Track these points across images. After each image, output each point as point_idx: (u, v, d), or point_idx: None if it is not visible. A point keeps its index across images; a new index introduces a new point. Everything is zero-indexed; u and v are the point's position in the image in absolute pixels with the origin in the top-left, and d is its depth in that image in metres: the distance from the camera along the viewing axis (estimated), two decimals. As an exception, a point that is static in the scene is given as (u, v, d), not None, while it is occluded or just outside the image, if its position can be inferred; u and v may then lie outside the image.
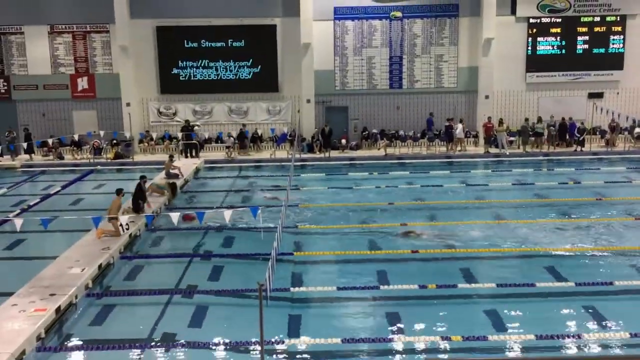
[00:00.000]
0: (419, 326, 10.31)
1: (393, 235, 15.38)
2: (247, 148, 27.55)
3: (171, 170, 21.74)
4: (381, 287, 11.95)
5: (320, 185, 21.66)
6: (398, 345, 9.71)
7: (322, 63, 28.34)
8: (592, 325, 10.24)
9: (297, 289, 11.97)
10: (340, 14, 28.27)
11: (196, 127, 27.99)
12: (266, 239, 14.16)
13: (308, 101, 28.23)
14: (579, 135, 26.86)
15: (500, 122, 27.03)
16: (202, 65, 28.66)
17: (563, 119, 27.30)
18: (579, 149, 26.64)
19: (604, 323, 10.27)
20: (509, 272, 12.75)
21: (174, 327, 10.49)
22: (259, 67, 28.65)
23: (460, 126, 27.02)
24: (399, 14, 28.26)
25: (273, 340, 9.64)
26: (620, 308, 10.97)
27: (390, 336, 9.98)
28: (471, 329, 9.98)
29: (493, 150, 26.83)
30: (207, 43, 28.52)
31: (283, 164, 24.94)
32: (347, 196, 20.01)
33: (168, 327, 10.53)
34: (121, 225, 14.83)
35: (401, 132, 28.18)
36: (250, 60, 28.60)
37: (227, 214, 13.89)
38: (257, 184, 22.28)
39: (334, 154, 27.00)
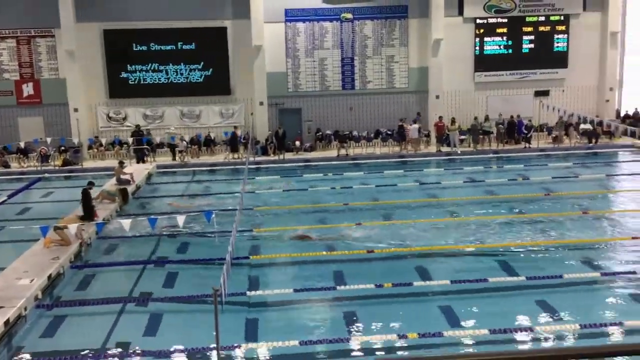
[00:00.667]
0: (376, 325, 10.37)
1: (348, 235, 15.44)
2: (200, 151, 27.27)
3: (122, 176, 21.31)
4: (338, 287, 11.98)
5: (275, 188, 21.58)
6: (355, 345, 9.75)
7: (274, 65, 28.28)
8: (543, 318, 10.49)
9: (253, 292, 11.89)
10: (291, 15, 28.27)
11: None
12: (221, 243, 14.02)
13: (261, 103, 28.12)
14: (526, 132, 27.56)
15: (453, 121, 27.50)
16: (152, 68, 28.23)
17: (511, 117, 27.95)
18: (527, 145, 27.33)
19: (555, 315, 10.54)
20: (462, 268, 12.96)
21: (128, 336, 10.28)
22: (211, 70, 28.40)
23: (415, 126, 27.35)
24: (349, 16, 28.44)
25: (230, 345, 9.54)
26: (570, 300, 11.28)
27: (348, 336, 10.01)
28: (427, 326, 10.09)
29: (445, 149, 27.25)
30: (156, 46, 28.11)
31: (237, 167, 24.75)
32: (302, 198, 20.00)
33: (122, 336, 10.31)
34: (82, 232, 14.46)
35: (355, 133, 28.34)
36: (202, 63, 28.32)
37: (180, 219, 13.69)
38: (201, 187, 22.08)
39: (289, 156, 26.97)
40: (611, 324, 10.05)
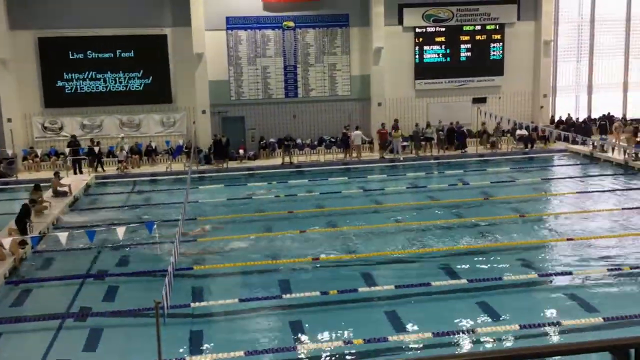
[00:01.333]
0: (323, 332, 10.37)
1: (293, 243, 15.43)
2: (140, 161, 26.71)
3: (59, 188, 20.66)
4: (284, 296, 11.94)
5: (219, 197, 21.35)
6: (302, 354, 9.72)
7: (216, 73, 28.06)
8: (484, 319, 10.73)
9: (197, 304, 11.71)
10: (233, 23, 28.13)
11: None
12: (164, 254, 13.75)
13: (203, 112, 27.83)
14: (462, 138, 28.16)
15: (396, 128, 27.92)
16: (90, 77, 27.53)
17: (451, 123, 28.60)
18: (462, 151, 27.96)
19: (495, 317, 10.79)
20: (406, 273, 13.13)
21: (66, 353, 9.95)
22: (150, 78, 27.92)
23: (359, 133, 27.61)
24: (291, 24, 28.52)
25: (173, 359, 9.35)
26: (509, 302, 11.58)
27: (294, 345, 9.97)
28: (372, 331, 10.16)
29: (388, 155, 27.62)
30: (93, 54, 27.44)
31: (180, 176, 24.38)
32: (247, 206, 19.87)
33: (60, 353, 9.96)
34: (17, 247, 13.88)
35: (298, 140, 28.39)
36: (141, 71, 27.81)
37: (121, 231, 13.37)
38: (153, 198, 21.66)
39: (232, 164, 26.76)
40: (549, 324, 10.37)
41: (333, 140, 28.43)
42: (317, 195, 21.16)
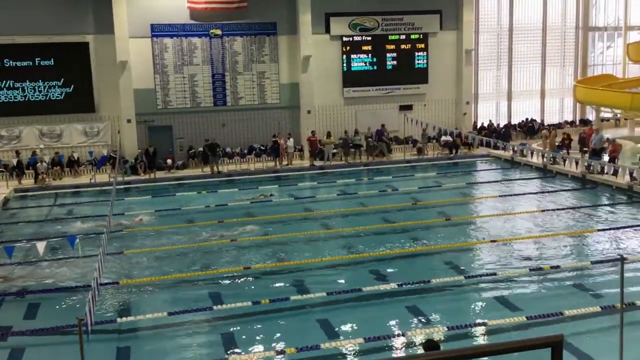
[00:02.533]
0: (255, 343, 10.27)
1: (224, 253, 15.24)
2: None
3: (-26, 203, 19.60)
4: (214, 307, 11.74)
5: (146, 208, 20.83)
6: (234, 365, 9.59)
7: (141, 81, 27.42)
8: (415, 322, 10.91)
9: (124, 319, 11.34)
10: (158, 31, 27.59)
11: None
12: (88, 269, 13.26)
13: (129, 121, 27.12)
14: (385, 143, 28.66)
15: (328, 135, 28.08)
16: (7, 86, 26.32)
17: (381, 128, 29.07)
18: (385, 156, 28.45)
19: (425, 320, 10.99)
20: (337, 280, 13.20)
21: (-17, 377, 9.41)
22: (72, 86, 26.96)
23: (290, 141, 27.61)
24: (218, 32, 28.26)
25: (100, 377, 9.02)
26: (438, 304, 11.83)
27: (226, 356, 9.82)
28: (305, 339, 10.13)
29: (318, 162, 27.76)
30: (11, 62, 26.26)
31: (104, 188, 23.63)
32: (176, 217, 19.47)
33: (-24, 378, 9.42)
34: None
35: (228, 149, 28.11)
36: (62, 80, 26.82)
37: (41, 246, 12.80)
38: (76, 211, 20.89)
39: (160, 174, 26.18)
40: (476, 325, 10.66)
41: (263, 148, 28.31)
42: (248, 203, 20.99)
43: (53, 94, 26.86)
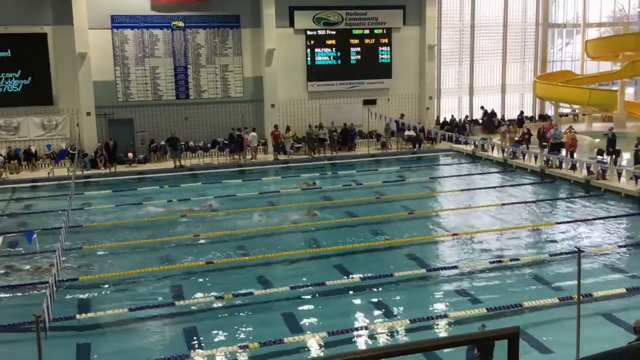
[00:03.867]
0: (218, 337, 10.22)
1: (186, 248, 15.10)
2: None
3: None
4: (176, 303, 11.64)
5: (106, 203, 20.49)
6: (196, 361, 9.53)
7: (101, 73, 26.88)
8: (378, 315, 11.01)
9: (84, 315, 11.15)
10: (118, 22, 27.07)
11: None
12: (45, 264, 12.98)
13: (88, 114, 26.56)
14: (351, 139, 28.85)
15: (288, 129, 28.02)
16: (-40, 77, 25.54)
17: (345, 124, 29.14)
18: (351, 149, 28.63)
19: (388, 313, 11.10)
20: (301, 274, 13.21)
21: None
22: (30, 78, 26.27)
23: (254, 134, 27.46)
24: (180, 24, 27.88)
25: (58, 375, 8.86)
26: (401, 297, 11.96)
27: (188, 352, 9.74)
28: (269, 334, 10.14)
29: (282, 157, 27.68)
30: (-36, 52, 25.47)
31: (63, 182, 23.12)
32: (136, 212, 19.19)
33: None
34: None
35: (191, 143, 27.80)
36: (19, 72, 26.11)
37: (-3, 241, 12.49)
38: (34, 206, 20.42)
39: (121, 168, 25.74)
40: (438, 317, 10.81)
41: (227, 142, 28.10)
42: (211, 198, 20.82)
43: (10, 86, 26.13)
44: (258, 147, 28.04)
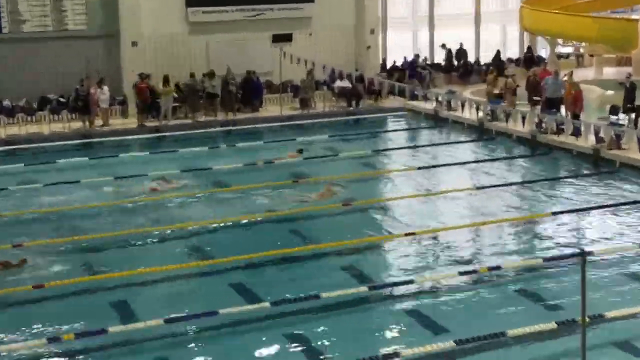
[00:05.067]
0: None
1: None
2: None
3: None
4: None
5: None
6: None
7: None
8: (294, 355, 11.05)
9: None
10: None
11: None
12: None
13: None
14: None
15: (166, 81, 27.38)
16: None
17: (247, 72, 28.89)
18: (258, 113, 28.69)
19: (310, 352, 11.14)
20: (179, 299, 13.15)
21: None
22: None
23: (105, 89, 26.88)
24: None
25: None
26: (329, 328, 12.04)
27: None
28: (92, 324, 11.26)
29: (152, 122, 27.26)
30: None
31: None
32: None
33: None
34: None
35: (6, 103, 26.98)
36: None
37: None
38: None
39: None
40: (386, 358, 10.96)
41: (63, 101, 27.43)
42: (40, 188, 20.29)
43: None
44: (111, 109, 27.56)
